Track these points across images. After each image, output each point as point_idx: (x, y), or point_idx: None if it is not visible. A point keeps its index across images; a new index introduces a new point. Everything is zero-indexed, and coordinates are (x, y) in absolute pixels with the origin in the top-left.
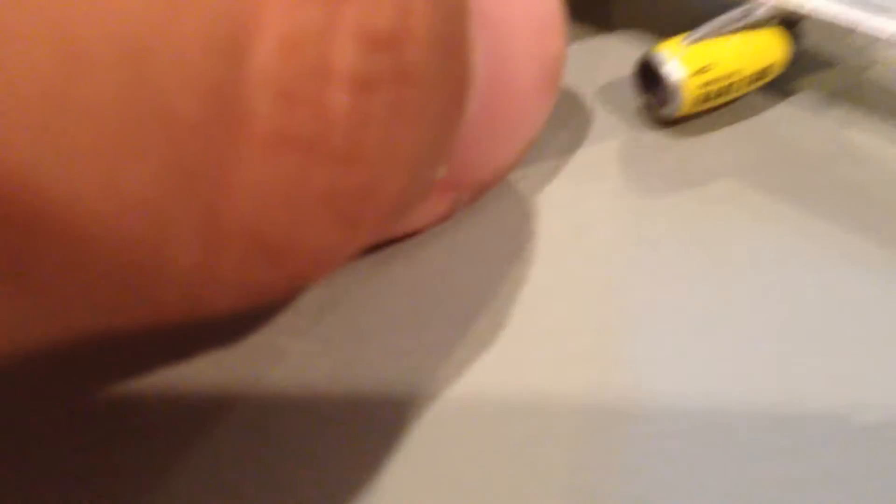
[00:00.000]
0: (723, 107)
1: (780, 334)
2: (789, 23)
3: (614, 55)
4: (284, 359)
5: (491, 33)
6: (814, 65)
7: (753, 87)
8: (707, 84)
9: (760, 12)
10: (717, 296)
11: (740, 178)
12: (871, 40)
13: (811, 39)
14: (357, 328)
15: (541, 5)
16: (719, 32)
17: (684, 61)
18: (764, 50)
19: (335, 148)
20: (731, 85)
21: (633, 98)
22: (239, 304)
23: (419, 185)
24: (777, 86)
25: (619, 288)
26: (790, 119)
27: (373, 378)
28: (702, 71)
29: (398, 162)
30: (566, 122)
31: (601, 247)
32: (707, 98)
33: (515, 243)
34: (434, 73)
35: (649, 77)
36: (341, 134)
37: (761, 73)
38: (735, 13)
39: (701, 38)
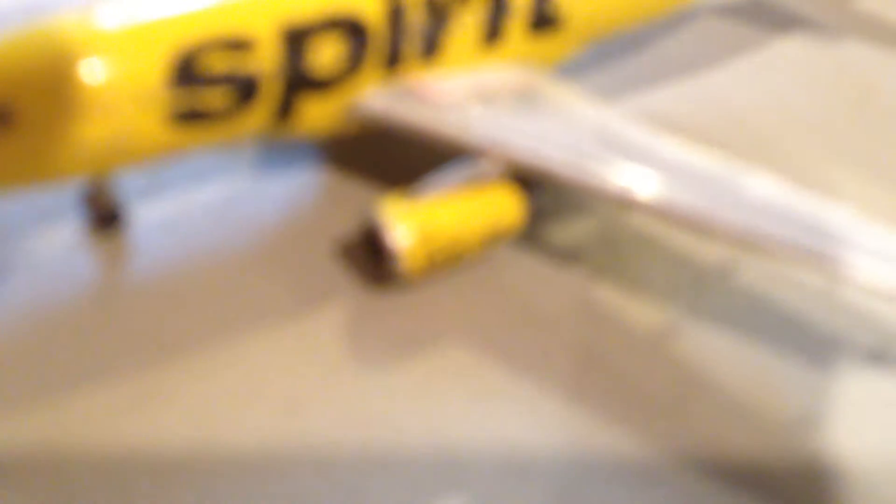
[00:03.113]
0: (464, 264)
1: None
2: (525, 178)
3: (357, 202)
4: None
5: None
6: (559, 220)
7: (492, 244)
8: (430, 248)
9: (487, 171)
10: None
11: (469, 346)
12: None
13: (555, 195)
14: None
15: None
16: (445, 191)
17: (404, 226)
18: (496, 208)
19: None
20: (462, 246)
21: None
22: None
23: None
24: (521, 241)
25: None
26: (532, 276)
27: None
28: (423, 235)
29: None
30: (299, 285)
31: (315, 431)
32: (436, 260)
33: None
34: None
35: (375, 238)
36: None
37: (497, 231)
38: (460, 171)
39: (424, 198)
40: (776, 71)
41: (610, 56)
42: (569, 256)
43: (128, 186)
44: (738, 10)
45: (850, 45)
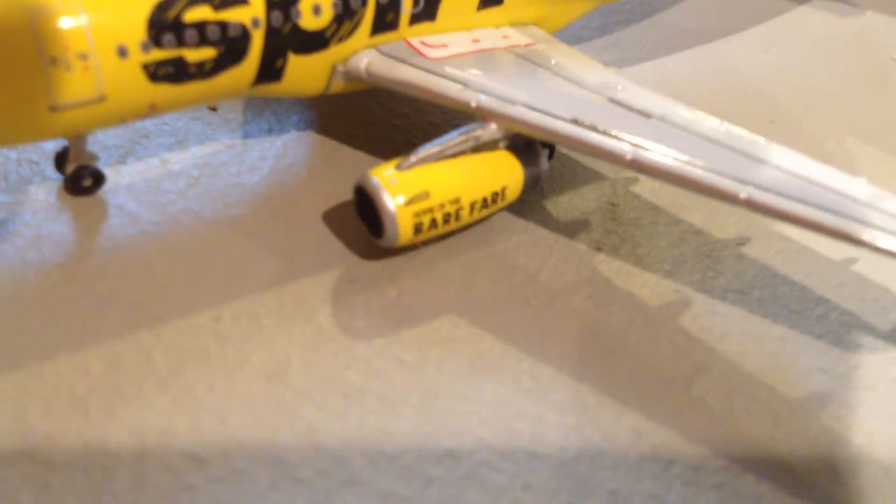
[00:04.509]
0: (459, 231)
1: None
2: (522, 146)
3: (348, 166)
4: None
5: None
6: (564, 189)
7: (488, 211)
8: (424, 212)
9: (485, 134)
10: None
11: (467, 319)
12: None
13: (560, 163)
14: None
15: None
16: (440, 155)
17: (397, 189)
18: (492, 174)
19: None
20: (457, 211)
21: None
22: None
23: None
24: (524, 211)
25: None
26: (536, 248)
27: None
28: (417, 199)
29: None
30: (284, 251)
31: (298, 397)
32: (430, 226)
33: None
34: None
35: (367, 202)
36: None
37: (493, 198)
38: (456, 135)
39: (419, 162)
40: (794, 42)
41: (617, 24)
42: (574, 228)
43: (105, 145)
44: None
45: (871, 17)
